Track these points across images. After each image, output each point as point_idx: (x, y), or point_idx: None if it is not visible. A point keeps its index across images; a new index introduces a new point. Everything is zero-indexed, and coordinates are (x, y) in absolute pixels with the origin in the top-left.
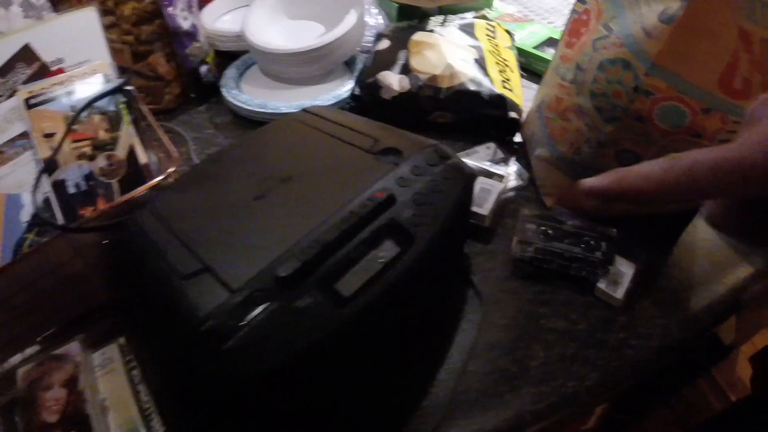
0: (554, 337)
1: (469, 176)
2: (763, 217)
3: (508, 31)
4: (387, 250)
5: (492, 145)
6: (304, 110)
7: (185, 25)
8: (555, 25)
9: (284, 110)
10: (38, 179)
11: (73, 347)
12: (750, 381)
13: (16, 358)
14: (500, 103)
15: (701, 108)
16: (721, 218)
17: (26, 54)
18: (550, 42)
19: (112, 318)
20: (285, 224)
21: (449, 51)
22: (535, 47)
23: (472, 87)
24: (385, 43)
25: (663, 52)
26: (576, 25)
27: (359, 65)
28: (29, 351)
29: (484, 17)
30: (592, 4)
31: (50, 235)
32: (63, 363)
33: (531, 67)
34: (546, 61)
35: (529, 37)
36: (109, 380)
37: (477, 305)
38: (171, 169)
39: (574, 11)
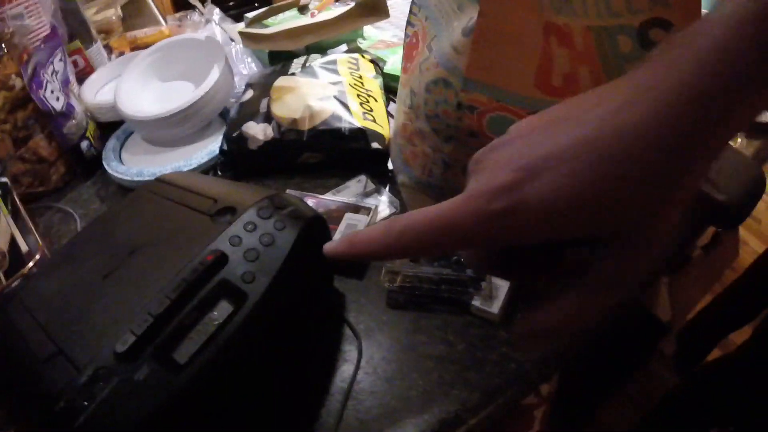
0: (433, 363)
1: (308, 220)
2: (504, 255)
3: (372, 61)
4: (222, 310)
5: (363, 178)
6: (157, 179)
7: (58, 105)
8: None
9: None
10: None
11: None
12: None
13: None
14: (361, 135)
15: (526, 113)
16: (467, 257)
17: None
18: None
19: None
20: (125, 299)
21: (309, 92)
22: None
23: (333, 124)
24: (249, 93)
25: (470, 66)
26: (408, 49)
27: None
28: None
29: (357, 48)
30: (419, 26)
31: None
32: None
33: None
34: None
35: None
36: None
37: (354, 343)
38: (30, 263)
39: (406, 35)
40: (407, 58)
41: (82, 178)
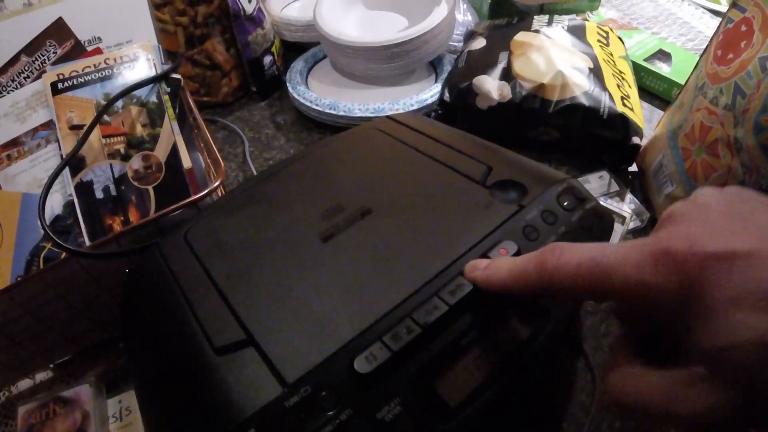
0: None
1: (610, 226)
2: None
3: (620, 39)
4: (512, 331)
5: (606, 175)
6: (389, 117)
7: (248, 8)
8: (661, 36)
9: (358, 113)
10: (54, 177)
11: (83, 390)
12: None
13: (27, 383)
14: (622, 124)
15: None
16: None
17: (58, 30)
18: (660, 55)
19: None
20: (364, 285)
21: (559, 56)
22: (645, 60)
23: (587, 102)
24: (480, 42)
25: None
26: (730, 36)
27: (447, 66)
28: (41, 376)
29: (586, 21)
30: (754, 11)
31: (70, 243)
32: (70, 409)
33: (641, 82)
34: (659, 77)
35: (637, 47)
36: None
37: (589, 380)
38: (217, 183)
39: (728, 20)
40: (728, 46)
41: (255, 97)
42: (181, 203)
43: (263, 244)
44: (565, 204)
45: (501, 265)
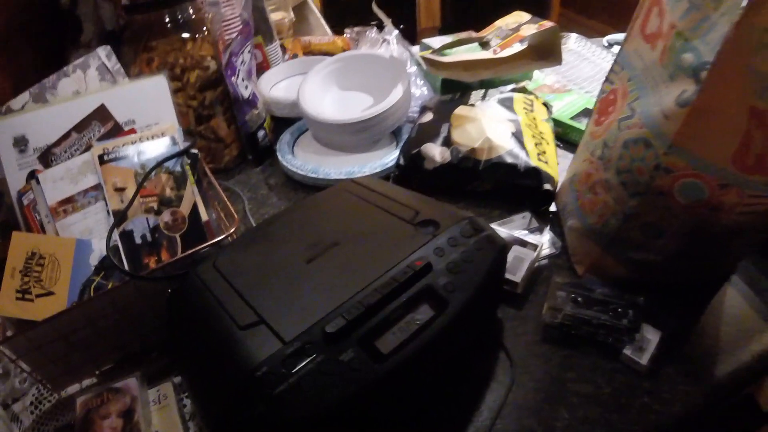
0: (580, 400)
1: (501, 247)
2: None
3: (545, 104)
4: (423, 313)
5: (527, 215)
6: (352, 180)
7: (246, 93)
8: (592, 95)
9: (334, 176)
10: (112, 229)
11: (131, 382)
12: None
13: (74, 388)
14: (535, 175)
15: (718, 184)
16: None
17: (101, 113)
18: (586, 112)
19: (168, 358)
20: (332, 286)
21: (488, 125)
22: (572, 118)
23: (509, 159)
24: (428, 116)
25: (680, 134)
26: (604, 104)
27: (405, 135)
28: (86, 382)
29: (523, 89)
30: (618, 84)
31: (114, 278)
32: (121, 395)
33: (567, 137)
34: (580, 132)
35: (566, 107)
36: (162, 415)
37: (508, 367)
38: (232, 229)
39: (602, 91)
40: (601, 111)
41: (251, 164)
42: (209, 243)
43: (267, 266)
44: (465, 233)
45: None
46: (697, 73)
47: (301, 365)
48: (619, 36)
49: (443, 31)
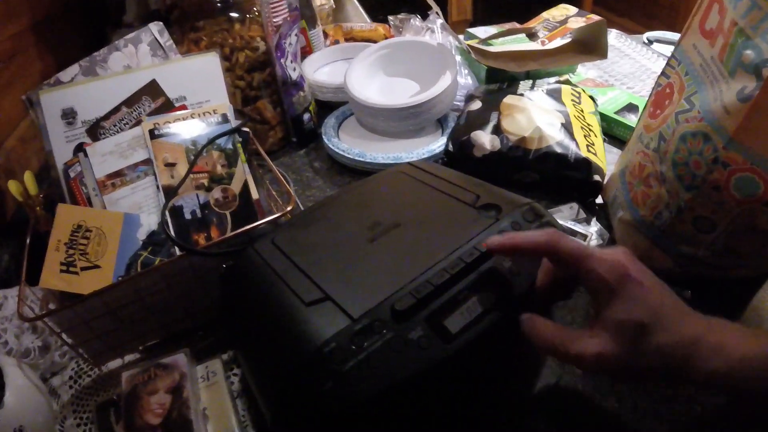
0: (628, 389)
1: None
2: None
3: (591, 97)
4: (488, 295)
5: (575, 205)
6: (409, 163)
7: (293, 75)
8: (633, 91)
9: (381, 161)
10: (167, 204)
11: (180, 358)
12: None
13: (116, 363)
14: (585, 166)
15: None
16: None
17: (152, 89)
18: (630, 107)
19: (216, 336)
20: (397, 265)
21: (538, 115)
22: (616, 112)
23: (558, 150)
24: (476, 104)
25: (740, 128)
26: (659, 97)
27: (450, 123)
28: (128, 358)
29: (567, 81)
30: (675, 78)
31: (162, 254)
32: (169, 371)
33: (612, 131)
34: (626, 127)
35: (609, 102)
36: (210, 392)
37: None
38: (290, 207)
39: (657, 84)
40: (657, 104)
41: (295, 147)
42: (267, 219)
43: (328, 244)
44: (527, 218)
45: (514, 234)
46: (758, 70)
47: (370, 342)
48: (660, 33)
49: (474, 24)
